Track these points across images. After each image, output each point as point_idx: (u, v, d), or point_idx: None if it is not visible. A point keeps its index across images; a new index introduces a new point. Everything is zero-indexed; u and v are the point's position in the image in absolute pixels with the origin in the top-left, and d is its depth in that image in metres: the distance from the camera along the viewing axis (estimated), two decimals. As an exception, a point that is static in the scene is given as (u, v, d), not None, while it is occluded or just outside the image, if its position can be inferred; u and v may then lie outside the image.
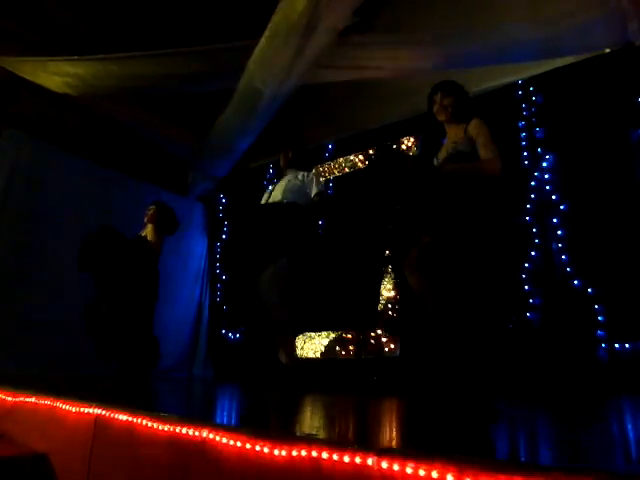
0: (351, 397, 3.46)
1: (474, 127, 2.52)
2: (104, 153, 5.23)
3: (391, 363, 4.04)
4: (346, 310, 4.51)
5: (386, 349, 4.12)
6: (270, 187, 3.62)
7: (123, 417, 1.63)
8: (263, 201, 3.49)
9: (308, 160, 3.75)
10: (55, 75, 4.40)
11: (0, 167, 4.35)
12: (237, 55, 3.98)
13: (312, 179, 3.43)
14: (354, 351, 4.32)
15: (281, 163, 3.65)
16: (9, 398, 2.35)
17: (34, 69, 4.41)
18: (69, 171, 4.79)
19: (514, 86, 4.11)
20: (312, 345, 4.56)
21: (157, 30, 4.86)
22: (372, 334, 4.25)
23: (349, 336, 4.40)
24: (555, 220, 3.62)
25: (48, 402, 2.06)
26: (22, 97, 4.63)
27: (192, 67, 4.16)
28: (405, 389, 3.69)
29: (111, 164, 5.18)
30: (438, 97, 2.70)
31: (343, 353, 4.38)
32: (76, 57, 4.23)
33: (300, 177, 3.45)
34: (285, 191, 3.35)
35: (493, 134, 2.47)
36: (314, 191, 3.36)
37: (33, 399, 2.17)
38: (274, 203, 3.35)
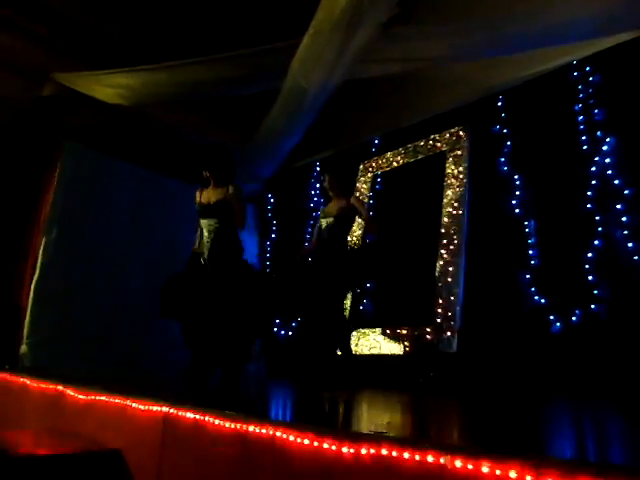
0: (410, 394, 3.43)
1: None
2: (157, 160, 5.39)
3: (448, 359, 3.95)
4: (400, 306, 4.47)
5: (442, 344, 4.03)
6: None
7: (190, 415, 1.69)
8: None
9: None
10: (108, 87, 4.59)
11: (61, 178, 4.58)
12: (281, 55, 4.00)
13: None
14: (409, 347, 4.26)
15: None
16: (81, 397, 2.47)
17: (88, 83, 4.61)
18: (125, 179, 5.01)
19: (569, 67, 3.91)
20: (367, 341, 4.54)
21: (201, 37, 4.96)
22: (427, 329, 4.17)
23: (403, 332, 4.33)
24: (619, 206, 3.43)
25: (118, 400, 2.15)
26: (79, 110, 4.86)
27: (237, 70, 4.22)
28: (463, 386, 3.60)
29: (165, 170, 5.35)
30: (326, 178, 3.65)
31: (398, 349, 4.33)
32: (127, 69, 4.39)
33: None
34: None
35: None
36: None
37: (104, 397, 2.27)
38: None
